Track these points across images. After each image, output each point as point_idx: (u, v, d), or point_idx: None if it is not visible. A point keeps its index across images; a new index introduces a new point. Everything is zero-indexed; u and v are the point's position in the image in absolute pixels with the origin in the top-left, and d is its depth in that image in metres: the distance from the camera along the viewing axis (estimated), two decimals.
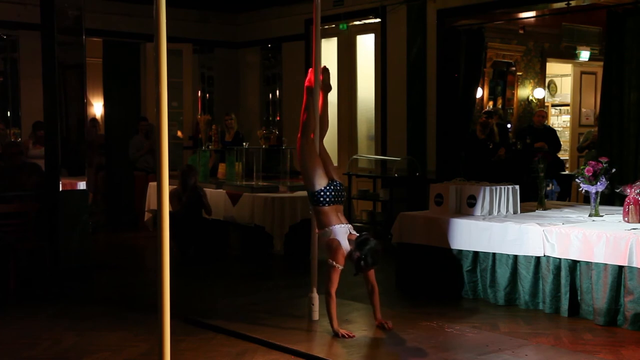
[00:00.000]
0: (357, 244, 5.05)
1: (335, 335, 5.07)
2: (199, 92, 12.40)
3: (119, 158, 11.22)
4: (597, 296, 5.51)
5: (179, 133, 11.96)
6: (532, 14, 9.99)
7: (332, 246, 5.10)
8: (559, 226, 5.82)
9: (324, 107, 5.49)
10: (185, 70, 11.88)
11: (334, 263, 5.07)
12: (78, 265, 7.26)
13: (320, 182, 5.21)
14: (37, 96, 7.79)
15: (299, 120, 5.50)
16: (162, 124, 2.92)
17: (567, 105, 13.01)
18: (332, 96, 11.10)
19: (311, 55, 5.65)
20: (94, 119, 12.20)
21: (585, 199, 7.13)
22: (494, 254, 6.16)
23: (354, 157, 10.51)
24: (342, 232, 5.17)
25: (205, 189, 8.65)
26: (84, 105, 7.84)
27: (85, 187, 7.51)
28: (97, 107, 13.30)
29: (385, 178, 9.91)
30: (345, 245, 5.10)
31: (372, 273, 5.25)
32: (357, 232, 5.29)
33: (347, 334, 5.08)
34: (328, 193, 5.22)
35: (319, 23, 5.52)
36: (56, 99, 7.36)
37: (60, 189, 7.28)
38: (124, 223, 10.89)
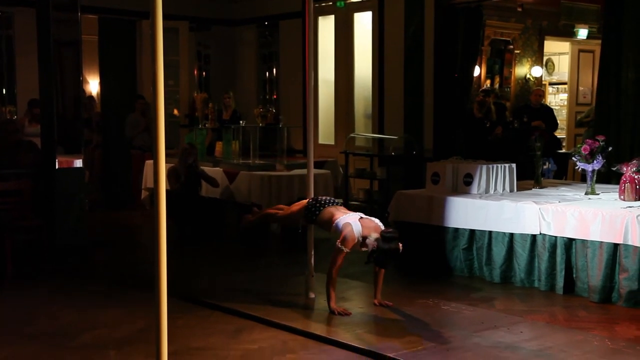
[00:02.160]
0: (382, 236, 4.98)
1: (332, 313, 5.10)
2: (196, 70, 12.35)
3: (116, 136, 11.19)
4: (592, 274, 5.54)
5: (176, 111, 11.92)
6: None
7: (344, 230, 5.08)
8: (555, 204, 5.84)
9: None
10: (181, 48, 11.82)
11: (342, 246, 5.05)
12: (75, 243, 7.27)
13: (303, 203, 5.44)
14: (33, 73, 7.75)
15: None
16: (158, 102, 2.90)
17: (565, 83, 12.99)
18: (329, 74, 11.09)
19: (309, 33, 5.63)
20: (91, 97, 12.16)
21: (582, 177, 7.14)
22: (490, 232, 6.18)
23: (351, 135, 10.50)
24: (353, 217, 5.17)
25: (202, 167, 8.64)
26: (79, 82, 7.80)
27: (81, 165, 7.49)
28: (93, 85, 13.24)
29: (382, 156, 9.91)
30: (358, 229, 5.06)
31: None
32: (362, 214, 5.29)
33: (343, 312, 5.10)
34: (315, 202, 5.35)
35: (312, 6, 5.53)
36: (52, 76, 7.33)
37: (57, 167, 7.27)
38: (120, 201, 10.89)
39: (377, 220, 5.21)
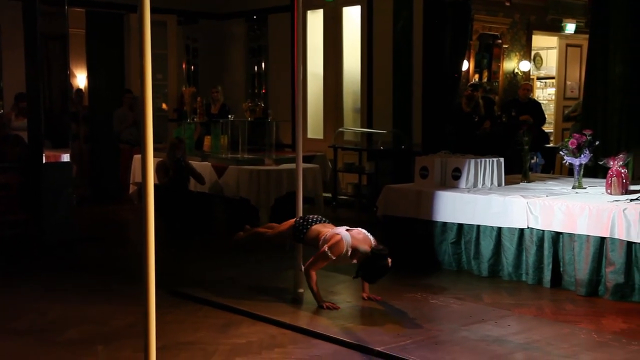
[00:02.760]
0: (372, 253, 4.97)
1: (321, 307, 5.11)
2: (184, 64, 12.31)
3: (104, 130, 11.14)
4: (579, 267, 5.57)
5: (164, 105, 11.88)
6: None
7: (334, 238, 5.07)
8: (543, 198, 5.87)
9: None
10: (169, 42, 11.77)
11: (329, 252, 5.04)
12: (62, 237, 7.24)
13: (291, 222, 5.41)
14: (20, 67, 7.70)
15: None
16: (146, 96, 2.89)
17: (553, 78, 13.03)
18: (318, 68, 11.08)
19: (298, 27, 5.62)
20: (80, 90, 12.10)
21: (570, 171, 7.18)
22: (478, 226, 6.20)
23: (340, 129, 10.50)
24: (341, 228, 5.19)
25: (190, 161, 8.61)
26: (67, 76, 7.76)
27: (69, 160, 7.46)
28: (80, 79, 13.17)
29: (370, 151, 9.92)
30: (347, 239, 5.06)
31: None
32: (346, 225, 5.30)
33: (332, 306, 5.11)
34: (303, 221, 5.34)
35: (301, 0, 5.52)
36: (39, 70, 7.29)
37: (44, 161, 7.23)
38: (108, 196, 10.85)
39: (364, 231, 5.20)
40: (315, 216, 5.43)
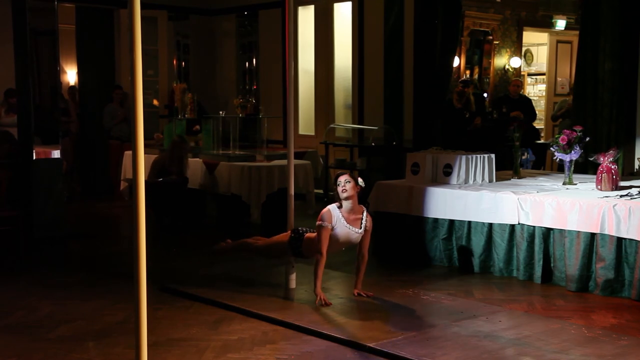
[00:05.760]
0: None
1: (314, 294, 5.10)
2: (175, 60, 12.27)
3: (94, 126, 11.10)
4: (570, 263, 5.60)
5: (155, 101, 11.84)
6: None
7: (322, 212, 5.13)
8: (534, 194, 5.89)
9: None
10: (160, 37, 11.73)
11: (322, 223, 5.09)
12: (53, 234, 7.22)
13: (284, 236, 5.41)
14: (9, 63, 7.67)
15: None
16: (137, 92, 2.89)
17: (543, 74, 13.08)
18: (309, 65, 11.06)
19: (289, 23, 5.61)
20: (73, 87, 12.05)
21: (560, 168, 7.20)
22: (469, 222, 6.22)
23: (331, 126, 10.50)
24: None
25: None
26: (57, 72, 7.73)
27: (59, 156, 7.43)
28: (70, 75, 13.11)
29: (362, 147, 9.92)
30: (331, 205, 5.13)
31: (366, 243, 5.28)
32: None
33: (324, 301, 5.11)
34: (296, 233, 5.33)
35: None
36: (28, 65, 7.25)
37: (34, 158, 7.20)
38: (99, 192, 10.81)
39: None
40: (305, 228, 5.44)
